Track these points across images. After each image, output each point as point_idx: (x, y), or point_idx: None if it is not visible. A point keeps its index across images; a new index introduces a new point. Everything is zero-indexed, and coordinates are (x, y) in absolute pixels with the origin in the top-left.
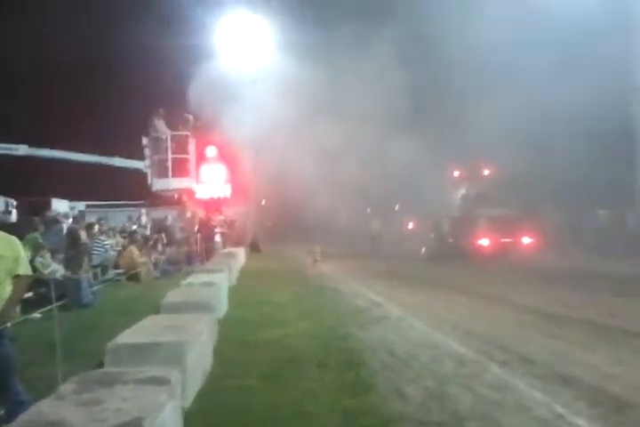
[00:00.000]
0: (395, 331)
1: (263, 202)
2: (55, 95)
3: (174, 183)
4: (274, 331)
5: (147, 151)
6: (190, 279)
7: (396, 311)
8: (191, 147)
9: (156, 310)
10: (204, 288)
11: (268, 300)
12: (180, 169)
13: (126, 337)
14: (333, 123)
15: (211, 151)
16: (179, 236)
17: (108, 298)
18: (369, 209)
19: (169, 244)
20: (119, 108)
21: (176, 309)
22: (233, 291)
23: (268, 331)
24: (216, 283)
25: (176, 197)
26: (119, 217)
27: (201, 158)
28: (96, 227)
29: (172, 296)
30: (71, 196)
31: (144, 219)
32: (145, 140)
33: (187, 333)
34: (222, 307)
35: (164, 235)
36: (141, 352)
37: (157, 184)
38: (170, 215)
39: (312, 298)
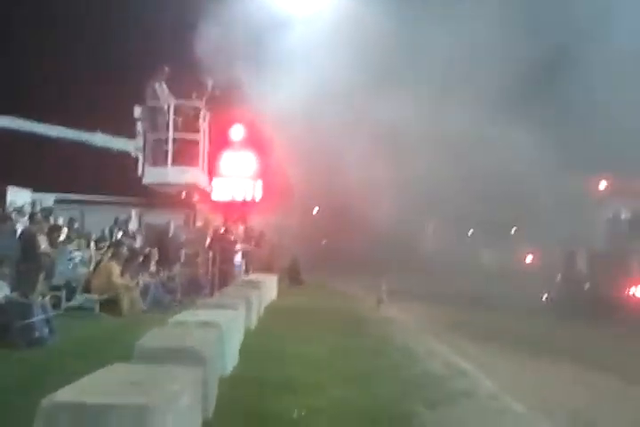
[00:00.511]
0: (481, 416)
1: (315, 210)
2: (16, 48)
3: (175, 175)
4: (297, 399)
5: (139, 127)
6: (186, 315)
7: (488, 385)
8: (204, 124)
9: (129, 356)
10: (201, 330)
11: (299, 352)
12: (186, 155)
13: (69, 394)
14: (412, 101)
15: (236, 132)
16: (182, 252)
17: (70, 334)
18: (471, 231)
19: (167, 262)
20: (104, 64)
21: (155, 356)
22: (252, 336)
23: (289, 399)
24: (221, 324)
25: (183, 195)
26: (99, 219)
27: (219, 142)
28: (64, 231)
29: (154, 338)
30: (35, 184)
31: (134, 224)
32: (138, 111)
33: (157, 393)
34: (229, 359)
35: (157, 249)
36: (85, 418)
37: (150, 175)
38: (172, 222)
39: (364, 355)
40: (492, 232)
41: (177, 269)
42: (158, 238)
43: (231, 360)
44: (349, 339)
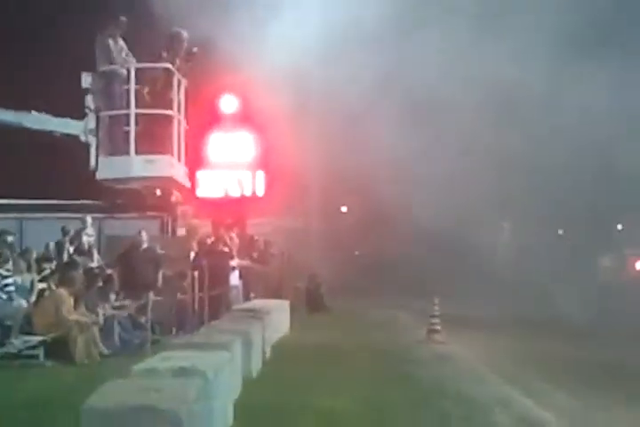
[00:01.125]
0: None
1: (344, 209)
2: None
3: (141, 166)
4: None
5: (89, 101)
6: (159, 360)
7: None
8: (179, 95)
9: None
10: (178, 381)
11: (320, 410)
12: (156, 138)
13: None
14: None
15: (227, 105)
16: (158, 273)
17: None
18: (560, 231)
19: (137, 288)
20: (35, 18)
21: (109, 422)
22: (253, 388)
23: None
24: (207, 371)
25: (158, 193)
26: (42, 230)
27: (202, 119)
28: None
29: (108, 395)
30: None
31: (90, 236)
32: (86, 80)
33: None
34: (218, 422)
35: (124, 270)
36: None
37: (107, 168)
38: (143, 232)
39: (412, 412)
40: (590, 233)
41: (151, 296)
42: (125, 255)
43: (221, 424)
44: (391, 388)
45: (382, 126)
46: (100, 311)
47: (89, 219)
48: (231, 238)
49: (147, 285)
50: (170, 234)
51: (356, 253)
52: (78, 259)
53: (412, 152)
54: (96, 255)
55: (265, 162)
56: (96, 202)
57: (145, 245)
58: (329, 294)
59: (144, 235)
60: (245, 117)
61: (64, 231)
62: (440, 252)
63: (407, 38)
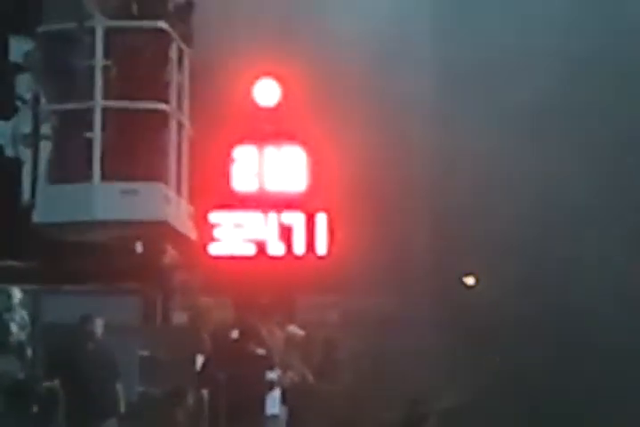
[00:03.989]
0: None
1: (471, 282)
2: None
3: (109, 201)
4: None
5: (22, 86)
6: None
7: None
8: (180, 77)
9: None
10: None
11: None
12: (136, 152)
13: None
14: None
15: (264, 94)
16: (113, 387)
17: None
18: None
19: (89, 415)
20: None
21: None
22: None
23: None
24: None
25: (139, 250)
26: None
27: (221, 123)
28: None
29: None
30: None
31: (17, 324)
32: (18, 48)
33: None
34: None
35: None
36: None
37: (50, 203)
38: (93, 318)
39: None
40: None
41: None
42: (63, 359)
43: None
44: None
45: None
46: None
47: (17, 293)
48: (270, 332)
49: (99, 410)
50: (159, 322)
51: (497, 360)
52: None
53: None
54: (28, 355)
55: (330, 196)
56: (31, 264)
57: (95, 341)
58: None
59: (97, 324)
60: (290, 121)
61: None
62: None
63: None
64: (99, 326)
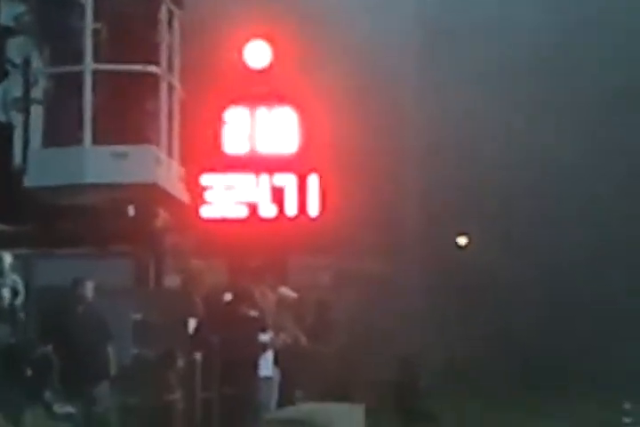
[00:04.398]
0: None
1: (463, 242)
2: None
3: (100, 165)
4: None
5: (12, 49)
6: None
7: None
8: (171, 38)
9: None
10: None
11: None
12: (127, 116)
13: None
14: None
15: (254, 56)
16: (105, 349)
17: None
18: None
19: (82, 378)
20: None
21: None
22: None
23: None
24: None
25: (130, 213)
26: None
27: (212, 84)
28: None
29: None
30: None
31: (9, 288)
32: (9, 10)
33: None
34: None
35: (62, 349)
36: None
37: (41, 167)
38: (85, 281)
39: None
40: None
41: (103, 392)
42: (55, 322)
43: None
44: None
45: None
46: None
47: (8, 258)
48: (263, 294)
49: (91, 373)
50: (151, 285)
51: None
52: None
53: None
54: (21, 318)
55: (321, 158)
56: (23, 228)
57: (85, 304)
58: (437, 391)
59: (88, 287)
60: (280, 83)
61: None
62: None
63: None
64: (89, 289)
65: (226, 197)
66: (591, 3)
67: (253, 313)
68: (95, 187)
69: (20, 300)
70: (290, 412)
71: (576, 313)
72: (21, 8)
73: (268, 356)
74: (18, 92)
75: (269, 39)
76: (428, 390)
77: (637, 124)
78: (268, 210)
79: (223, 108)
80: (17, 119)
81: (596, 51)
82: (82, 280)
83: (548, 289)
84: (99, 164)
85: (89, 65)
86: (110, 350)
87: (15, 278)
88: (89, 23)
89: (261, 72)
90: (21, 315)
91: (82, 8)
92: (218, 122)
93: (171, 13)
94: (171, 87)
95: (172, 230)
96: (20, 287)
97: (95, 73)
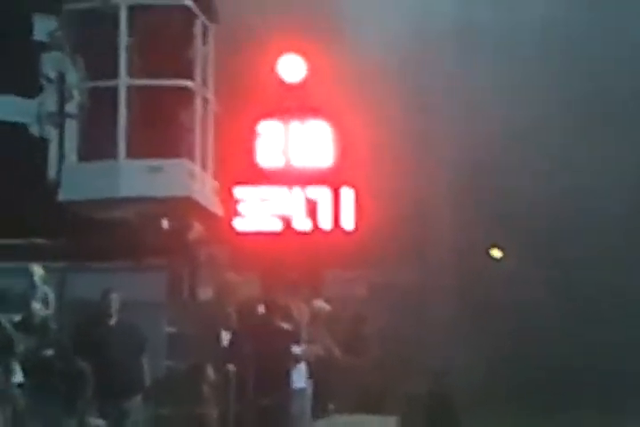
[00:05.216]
0: None
1: (498, 254)
2: None
3: (134, 178)
4: None
5: (47, 65)
6: None
7: None
8: (205, 53)
9: None
10: None
11: None
12: (161, 130)
13: None
14: None
15: (289, 70)
16: (139, 363)
17: None
18: None
19: (109, 392)
20: None
21: None
22: None
23: None
24: None
25: (165, 226)
26: None
27: (247, 99)
28: None
29: None
30: None
31: (40, 301)
32: (43, 26)
33: None
34: None
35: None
36: None
37: (76, 181)
38: (112, 293)
39: None
40: None
41: (136, 405)
42: (82, 335)
43: None
44: None
45: None
46: None
47: (39, 270)
48: (297, 307)
49: (124, 387)
50: (185, 297)
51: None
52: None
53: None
54: (52, 332)
55: (355, 171)
56: (57, 241)
57: (115, 316)
58: (469, 404)
59: (113, 299)
60: (320, 95)
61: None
62: None
63: None
64: (116, 301)
65: (260, 210)
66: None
67: (287, 326)
68: (129, 200)
69: (50, 311)
70: (324, 423)
71: (605, 325)
72: (55, 23)
73: (302, 368)
74: (52, 106)
75: (304, 53)
76: (460, 403)
77: None
78: (302, 223)
79: (257, 121)
80: (52, 133)
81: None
82: (108, 292)
83: (577, 301)
84: (133, 177)
85: (124, 80)
86: (144, 362)
87: (46, 291)
88: (124, 38)
89: (296, 86)
90: (53, 327)
91: (116, 22)
92: (252, 135)
93: (205, 28)
94: (205, 101)
95: (206, 243)
96: (51, 299)
97: (129, 88)
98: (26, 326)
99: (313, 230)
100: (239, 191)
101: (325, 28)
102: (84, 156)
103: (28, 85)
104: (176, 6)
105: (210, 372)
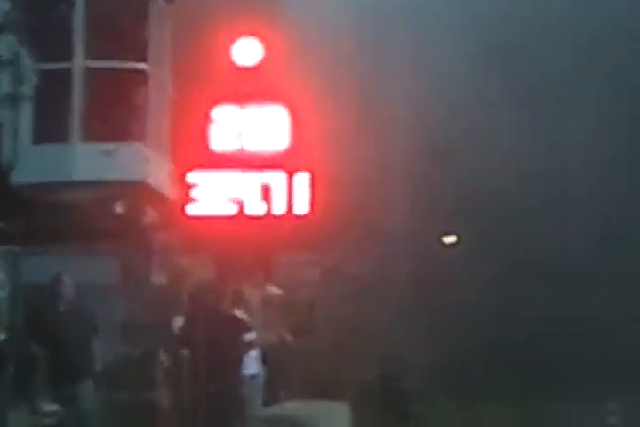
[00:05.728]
0: None
1: (450, 240)
2: None
3: (88, 162)
4: None
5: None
6: None
7: None
8: (160, 35)
9: None
10: None
11: None
12: (115, 113)
13: None
14: None
15: (244, 54)
16: (88, 346)
17: None
18: None
19: (60, 376)
20: None
21: None
22: None
23: None
24: None
25: (117, 209)
26: None
27: (201, 82)
28: None
29: None
30: None
31: None
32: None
33: None
34: None
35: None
36: None
37: (28, 164)
38: (63, 277)
39: None
40: None
41: (87, 389)
42: (36, 318)
43: None
44: None
45: None
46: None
47: None
48: (250, 293)
49: (74, 370)
50: (137, 283)
51: (470, 312)
52: None
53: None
54: (4, 317)
55: (310, 156)
56: (10, 224)
57: (64, 299)
58: (421, 390)
59: (65, 283)
60: (272, 81)
61: None
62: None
63: None
64: (68, 285)
65: (214, 195)
66: None
67: (238, 312)
68: (83, 184)
69: (2, 295)
70: (275, 409)
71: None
72: (8, 5)
73: (254, 354)
74: (7, 88)
75: (260, 36)
76: (411, 389)
77: None
78: (255, 208)
79: (212, 105)
80: (6, 116)
81: None
82: (59, 277)
83: (538, 288)
84: (87, 161)
85: (78, 62)
86: (95, 346)
87: (1, 276)
88: (79, 20)
89: (251, 70)
90: (5, 311)
91: (72, 4)
92: (207, 120)
93: (160, 9)
94: (160, 84)
95: (160, 228)
96: (3, 283)
97: (84, 70)
98: None
99: (267, 215)
100: (193, 176)
101: (281, 12)
102: (37, 139)
103: None
104: None
105: (163, 357)
